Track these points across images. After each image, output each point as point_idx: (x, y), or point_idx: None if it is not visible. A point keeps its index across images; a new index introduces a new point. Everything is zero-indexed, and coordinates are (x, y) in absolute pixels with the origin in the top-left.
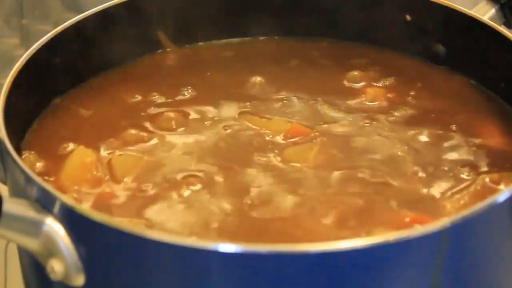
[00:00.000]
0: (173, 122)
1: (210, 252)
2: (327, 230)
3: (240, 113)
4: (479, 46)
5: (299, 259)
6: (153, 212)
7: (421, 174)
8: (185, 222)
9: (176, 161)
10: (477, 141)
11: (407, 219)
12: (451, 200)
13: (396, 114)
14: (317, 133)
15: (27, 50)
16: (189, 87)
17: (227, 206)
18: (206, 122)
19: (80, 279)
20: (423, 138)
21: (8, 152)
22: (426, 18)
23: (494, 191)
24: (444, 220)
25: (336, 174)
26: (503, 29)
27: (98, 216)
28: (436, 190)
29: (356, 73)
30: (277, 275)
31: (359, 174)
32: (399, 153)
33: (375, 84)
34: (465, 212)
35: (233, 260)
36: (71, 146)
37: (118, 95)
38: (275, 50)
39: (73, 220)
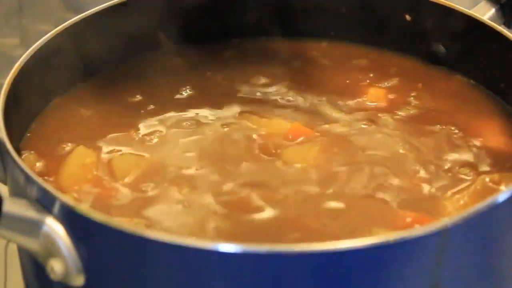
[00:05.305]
0: (173, 122)
1: (210, 252)
2: (328, 230)
3: (240, 113)
4: (479, 46)
5: (299, 259)
6: (152, 212)
7: (421, 174)
8: (184, 222)
9: (176, 161)
10: (477, 141)
11: (408, 219)
12: (451, 200)
13: (397, 114)
14: (317, 133)
15: (27, 50)
16: (189, 87)
17: (226, 206)
18: (206, 122)
19: (80, 279)
20: (424, 138)
21: (8, 152)
22: (426, 18)
23: (494, 191)
24: (444, 220)
25: (336, 174)
26: (503, 29)
27: (98, 216)
28: (437, 190)
29: (357, 73)
30: (277, 275)
31: (359, 174)
32: (400, 153)
33: (376, 84)
34: (465, 212)
35: (233, 260)
36: (71, 146)
37: (118, 95)
38: (275, 50)
39: (73, 220)
